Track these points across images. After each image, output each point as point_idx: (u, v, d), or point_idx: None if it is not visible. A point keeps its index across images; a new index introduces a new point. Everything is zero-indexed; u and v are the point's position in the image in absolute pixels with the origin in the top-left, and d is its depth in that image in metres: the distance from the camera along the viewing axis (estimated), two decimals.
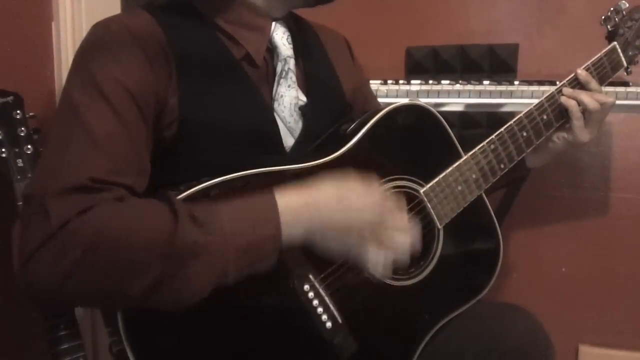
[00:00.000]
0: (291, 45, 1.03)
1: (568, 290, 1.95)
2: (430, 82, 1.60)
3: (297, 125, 1.01)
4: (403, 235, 0.88)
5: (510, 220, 1.84)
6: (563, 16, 1.86)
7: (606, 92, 1.47)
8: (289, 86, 1.00)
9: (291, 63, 1.01)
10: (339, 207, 0.84)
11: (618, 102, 1.52)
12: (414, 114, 1.05)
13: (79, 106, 0.82)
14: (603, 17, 1.26)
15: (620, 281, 1.90)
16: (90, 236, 0.72)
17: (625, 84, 1.55)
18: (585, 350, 1.94)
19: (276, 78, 1.00)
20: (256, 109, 0.96)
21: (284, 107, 0.99)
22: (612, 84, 1.53)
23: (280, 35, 1.02)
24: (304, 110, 1.02)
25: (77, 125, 0.81)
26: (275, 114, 0.98)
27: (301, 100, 1.02)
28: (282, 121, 0.99)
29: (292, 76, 1.01)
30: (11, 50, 1.37)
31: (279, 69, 1.00)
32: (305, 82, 1.05)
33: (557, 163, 1.89)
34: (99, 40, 0.88)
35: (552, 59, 1.83)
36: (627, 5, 1.27)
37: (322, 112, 1.04)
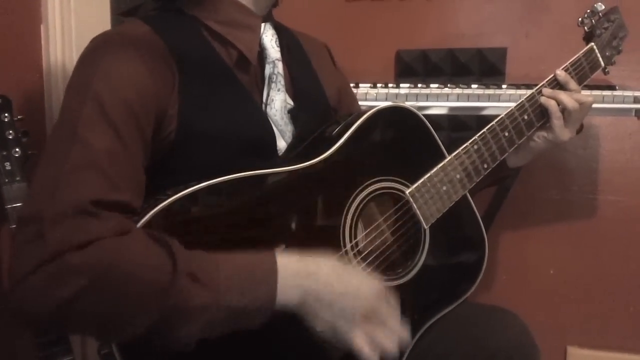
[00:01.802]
0: (279, 48, 1.03)
1: (556, 292, 1.95)
2: (420, 85, 1.62)
3: (288, 128, 1.01)
4: (392, 335, 0.86)
5: (498, 222, 1.86)
6: (550, 19, 1.87)
7: (592, 94, 1.49)
8: (278, 90, 1.00)
9: (279, 66, 1.02)
10: (338, 284, 0.83)
11: (605, 105, 1.53)
12: (397, 116, 1.06)
13: (77, 122, 0.80)
14: (580, 19, 1.29)
15: (608, 283, 1.91)
16: (90, 273, 0.71)
17: (612, 87, 1.56)
18: (574, 352, 1.95)
19: (266, 81, 1.01)
20: (252, 115, 0.96)
21: (276, 110, 0.99)
22: (599, 87, 1.56)
23: (270, 37, 1.02)
24: (293, 114, 1.02)
25: (75, 142, 0.79)
26: (269, 119, 0.99)
27: (289, 103, 1.03)
28: (275, 125, 0.99)
29: (281, 80, 1.01)
30: None
31: (267, 72, 1.01)
32: (291, 86, 1.05)
33: (545, 166, 1.91)
34: (99, 53, 0.87)
35: (540, 62, 1.84)
36: (603, 7, 1.30)
37: (309, 115, 1.04)
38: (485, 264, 1.14)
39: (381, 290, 0.86)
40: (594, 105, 1.51)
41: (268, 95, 1.00)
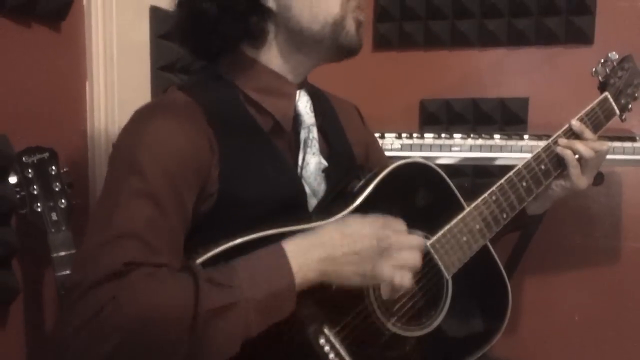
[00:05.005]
0: (313, 114, 1.08)
1: (581, 338, 1.96)
2: (443, 136, 1.65)
3: (321, 188, 1.06)
4: (410, 251, 0.93)
5: (522, 268, 1.86)
6: (571, 68, 1.91)
7: (613, 145, 1.51)
8: (313, 153, 1.05)
9: (314, 131, 1.06)
10: (344, 240, 0.89)
11: (626, 157, 1.56)
12: (415, 170, 1.10)
13: (120, 192, 0.85)
14: (594, 69, 1.31)
15: (633, 329, 1.91)
16: (123, 323, 0.76)
17: (632, 138, 1.59)
18: None
19: (301, 146, 1.05)
20: (286, 179, 1.01)
21: (310, 173, 1.04)
22: (619, 138, 1.58)
23: (304, 104, 1.07)
24: (326, 173, 1.07)
25: (117, 212, 0.83)
26: (302, 180, 1.04)
27: (323, 164, 1.07)
28: (309, 186, 1.04)
29: (315, 144, 1.06)
30: (47, 107, 1.44)
31: (302, 136, 1.05)
32: (324, 146, 1.10)
33: (568, 212, 1.92)
34: (142, 125, 0.91)
35: (562, 110, 1.85)
36: (617, 56, 1.32)
37: (341, 173, 1.09)
38: (509, 313, 1.15)
39: (381, 221, 0.92)
40: (615, 157, 1.55)
41: (304, 159, 1.04)
